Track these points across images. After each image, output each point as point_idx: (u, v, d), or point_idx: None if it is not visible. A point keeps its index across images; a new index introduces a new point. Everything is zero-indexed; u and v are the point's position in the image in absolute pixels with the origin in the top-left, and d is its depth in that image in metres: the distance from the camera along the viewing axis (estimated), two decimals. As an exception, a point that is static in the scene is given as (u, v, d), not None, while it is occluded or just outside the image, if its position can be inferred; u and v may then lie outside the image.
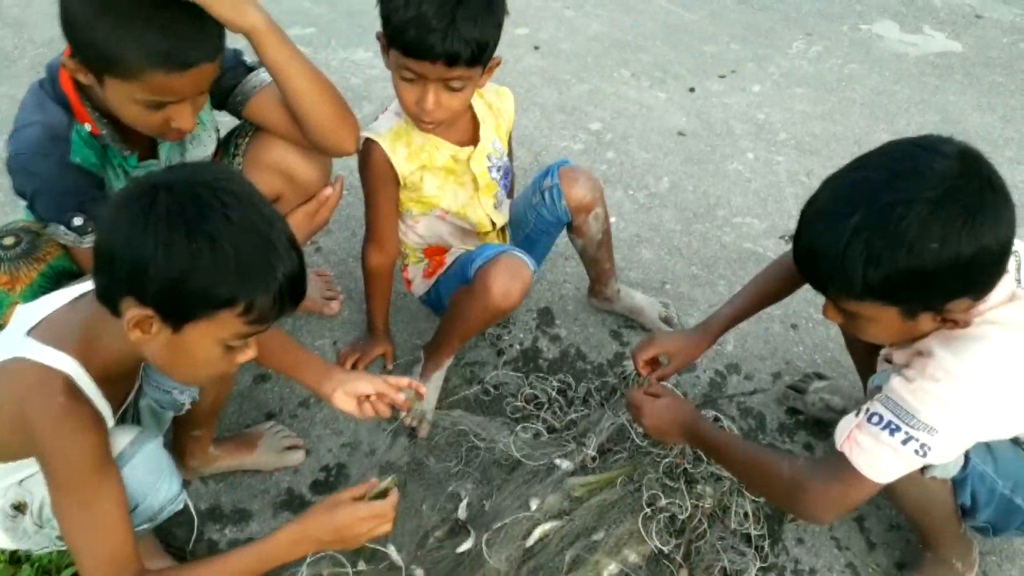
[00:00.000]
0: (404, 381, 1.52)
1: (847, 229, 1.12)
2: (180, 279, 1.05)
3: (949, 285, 1.14)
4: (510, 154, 1.89)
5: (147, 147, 1.57)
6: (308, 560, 1.48)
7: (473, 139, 1.75)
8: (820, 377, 1.93)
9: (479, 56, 1.51)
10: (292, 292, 1.13)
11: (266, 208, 1.13)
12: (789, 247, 2.34)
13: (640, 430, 1.70)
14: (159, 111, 1.38)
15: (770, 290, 1.67)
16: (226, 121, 1.71)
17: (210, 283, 1.06)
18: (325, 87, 1.58)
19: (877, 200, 1.12)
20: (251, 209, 1.09)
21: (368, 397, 1.49)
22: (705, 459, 1.69)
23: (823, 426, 1.86)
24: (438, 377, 1.89)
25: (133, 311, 1.09)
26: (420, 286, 1.91)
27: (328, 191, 1.77)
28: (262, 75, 1.63)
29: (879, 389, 1.25)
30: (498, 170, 1.81)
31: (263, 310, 1.10)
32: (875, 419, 1.20)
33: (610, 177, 2.65)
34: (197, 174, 1.11)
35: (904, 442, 1.17)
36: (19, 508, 1.32)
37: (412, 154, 1.71)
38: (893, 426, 1.18)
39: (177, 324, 1.11)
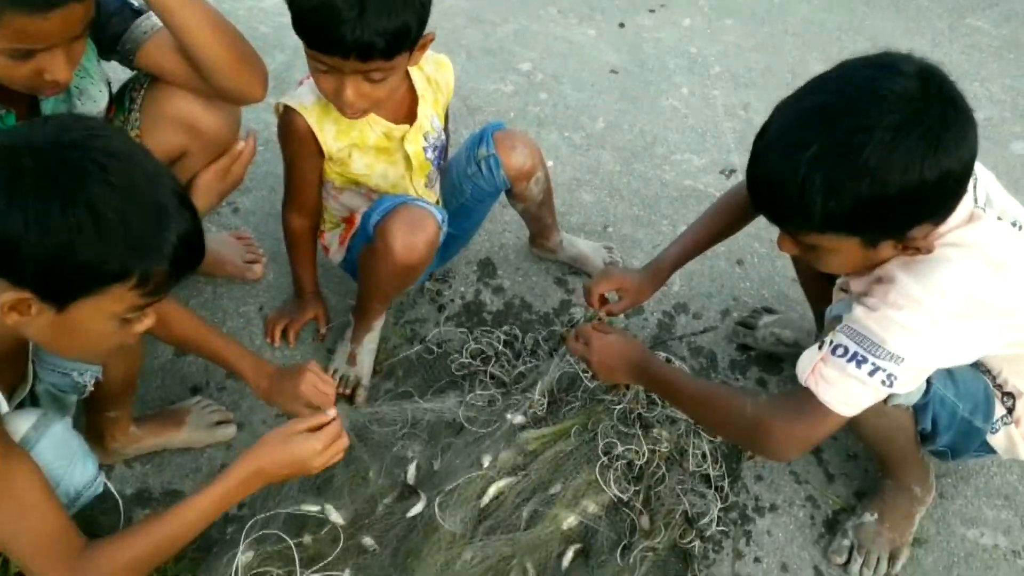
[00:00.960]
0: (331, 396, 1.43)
1: (805, 159, 1.05)
2: (60, 256, 0.92)
3: (912, 212, 1.09)
4: (446, 128, 1.75)
5: (27, 105, 1.39)
6: (247, 538, 1.39)
7: (410, 116, 1.61)
8: (769, 311, 1.90)
9: (398, 46, 1.36)
10: (189, 255, 1.01)
11: (149, 164, 0.99)
12: (731, 182, 2.32)
13: (589, 372, 1.63)
14: (27, 61, 1.21)
15: (718, 227, 1.61)
16: (120, 74, 1.53)
17: (96, 258, 0.93)
18: (220, 25, 1.42)
19: (835, 127, 1.05)
20: (132, 168, 0.96)
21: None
22: (659, 402, 1.64)
23: (775, 360, 1.83)
24: (370, 340, 1.78)
25: (7, 295, 0.95)
26: (337, 253, 1.77)
27: (240, 145, 1.62)
28: (153, 19, 1.45)
29: (839, 320, 1.21)
30: (434, 149, 1.67)
31: (158, 279, 0.99)
32: (840, 351, 1.15)
33: (544, 119, 2.54)
34: (64, 132, 0.96)
35: (871, 373, 1.13)
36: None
37: (341, 131, 1.56)
38: (859, 357, 1.13)
39: (61, 304, 0.97)
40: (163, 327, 1.30)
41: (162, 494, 1.59)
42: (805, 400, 1.18)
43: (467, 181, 1.75)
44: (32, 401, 1.31)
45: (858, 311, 1.16)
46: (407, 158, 1.63)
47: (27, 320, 0.98)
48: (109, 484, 1.27)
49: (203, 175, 1.60)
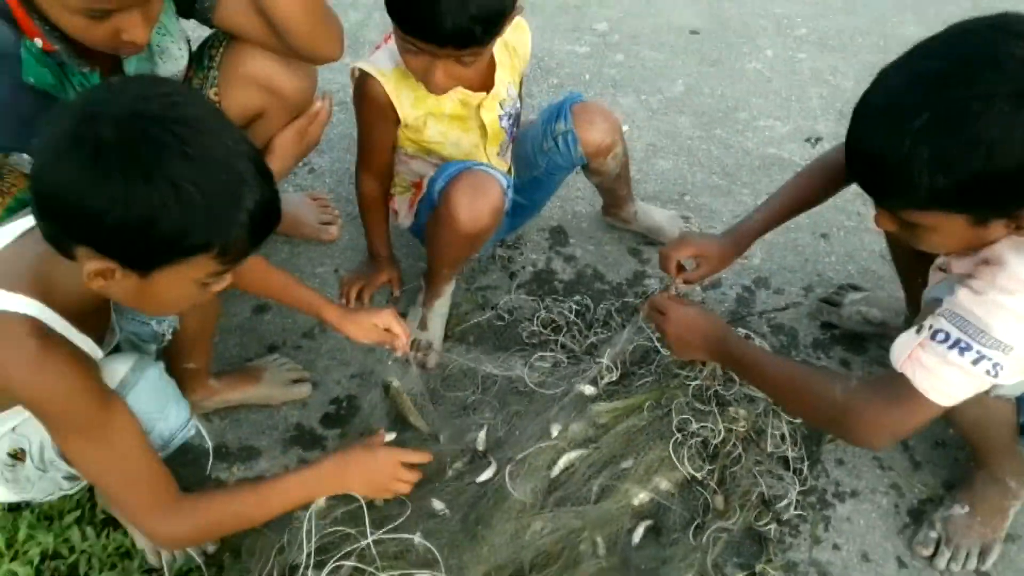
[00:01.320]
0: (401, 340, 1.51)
1: (913, 130, 0.98)
2: (143, 230, 0.93)
3: None
4: (520, 94, 1.71)
5: (110, 63, 1.40)
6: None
7: (487, 83, 1.57)
8: (855, 288, 1.81)
9: (494, 31, 1.35)
10: (266, 222, 1.01)
11: (227, 131, 0.99)
12: (816, 151, 2.21)
13: (663, 345, 1.58)
14: (104, 21, 1.21)
15: (806, 195, 1.53)
16: (199, 32, 1.53)
17: (179, 232, 0.95)
18: None
19: (948, 95, 0.97)
20: (210, 138, 0.96)
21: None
22: (737, 380, 1.59)
23: (860, 340, 1.75)
24: (441, 305, 1.77)
25: (93, 263, 0.97)
26: (406, 217, 1.75)
27: (317, 106, 1.61)
28: None
29: (938, 302, 1.13)
30: (509, 118, 1.64)
31: (238, 247, 1.00)
32: (940, 336, 1.08)
33: (620, 82, 2.46)
34: (143, 101, 0.95)
35: (975, 362, 1.06)
36: (16, 456, 1.25)
37: (419, 99, 1.54)
38: (963, 344, 1.06)
39: (145, 271, 0.99)
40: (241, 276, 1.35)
41: (239, 449, 1.62)
42: (900, 387, 1.12)
43: (542, 155, 1.70)
44: (113, 351, 1.35)
45: (962, 294, 1.08)
46: (482, 126, 1.60)
47: (111, 284, 1.00)
48: (200, 427, 1.31)
49: (280, 136, 1.60)
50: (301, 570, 1.34)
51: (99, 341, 1.20)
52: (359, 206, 1.76)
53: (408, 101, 1.54)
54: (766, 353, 1.36)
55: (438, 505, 1.47)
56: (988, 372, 1.06)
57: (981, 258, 1.11)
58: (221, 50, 1.56)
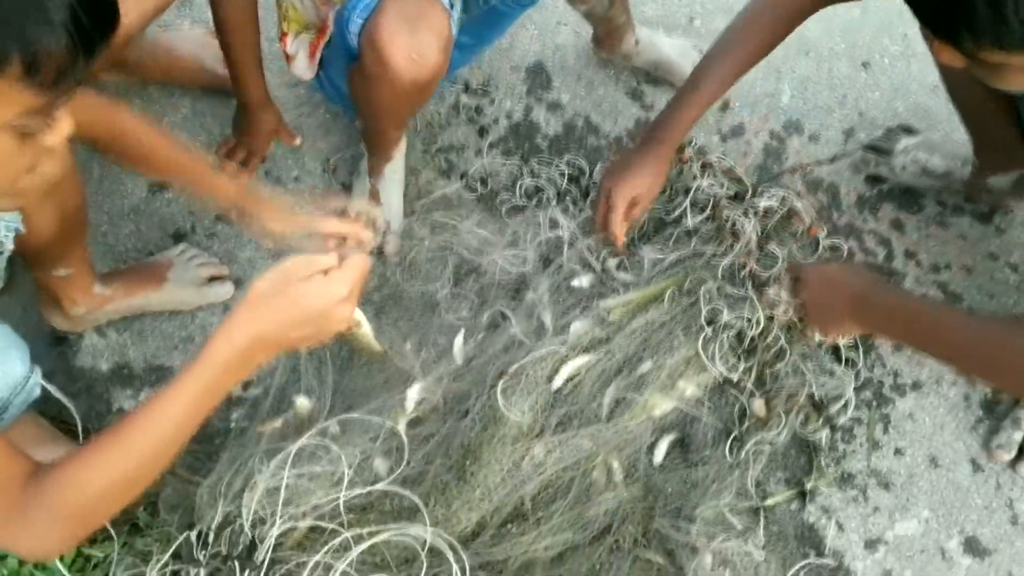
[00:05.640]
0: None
1: None
2: None
3: None
4: None
5: None
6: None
7: None
8: (907, 131, 1.47)
9: None
10: (96, 12, 0.66)
11: None
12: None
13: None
14: None
15: (760, 47, 1.23)
16: None
17: None
18: None
19: None
20: None
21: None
22: (777, 255, 1.28)
23: (914, 197, 1.44)
24: (393, 170, 1.36)
25: None
26: (305, 68, 1.28)
27: None
28: None
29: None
30: None
31: (57, 59, 0.64)
32: None
33: None
34: None
35: None
36: None
37: None
38: None
39: None
40: (114, 140, 1.01)
41: (145, 369, 1.29)
42: None
43: None
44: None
45: None
46: None
47: None
48: (50, 386, 0.93)
49: None
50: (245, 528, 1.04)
51: None
52: (218, 29, 1.26)
53: None
54: (935, 306, 1.08)
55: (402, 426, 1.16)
56: None
57: None
58: None
